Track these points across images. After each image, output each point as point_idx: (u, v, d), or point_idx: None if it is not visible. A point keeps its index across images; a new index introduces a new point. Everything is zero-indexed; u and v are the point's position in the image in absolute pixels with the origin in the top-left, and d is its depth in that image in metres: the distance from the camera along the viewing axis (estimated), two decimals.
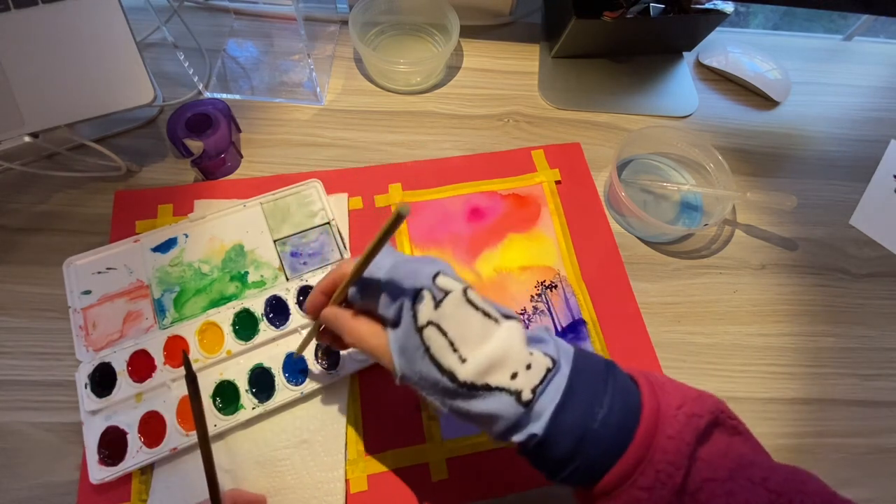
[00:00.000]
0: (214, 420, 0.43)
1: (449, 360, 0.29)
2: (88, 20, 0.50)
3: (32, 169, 0.53)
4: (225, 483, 0.42)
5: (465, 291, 0.30)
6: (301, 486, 0.42)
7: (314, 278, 0.50)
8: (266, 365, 0.46)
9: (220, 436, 0.44)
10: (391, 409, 0.46)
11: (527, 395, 0.28)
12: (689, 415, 0.28)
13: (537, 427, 0.28)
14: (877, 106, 0.71)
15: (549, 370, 0.29)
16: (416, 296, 0.30)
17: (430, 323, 0.29)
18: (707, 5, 0.63)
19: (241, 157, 0.58)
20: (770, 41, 0.77)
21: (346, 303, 0.35)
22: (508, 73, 0.68)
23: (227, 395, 0.45)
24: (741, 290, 0.55)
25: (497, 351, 0.29)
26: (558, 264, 0.54)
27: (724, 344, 0.52)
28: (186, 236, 0.51)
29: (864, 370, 0.52)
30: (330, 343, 0.39)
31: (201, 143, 0.53)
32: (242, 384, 0.45)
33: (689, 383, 0.49)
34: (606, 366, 0.31)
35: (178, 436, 0.43)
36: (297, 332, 0.48)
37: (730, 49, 0.72)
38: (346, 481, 0.43)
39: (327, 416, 0.45)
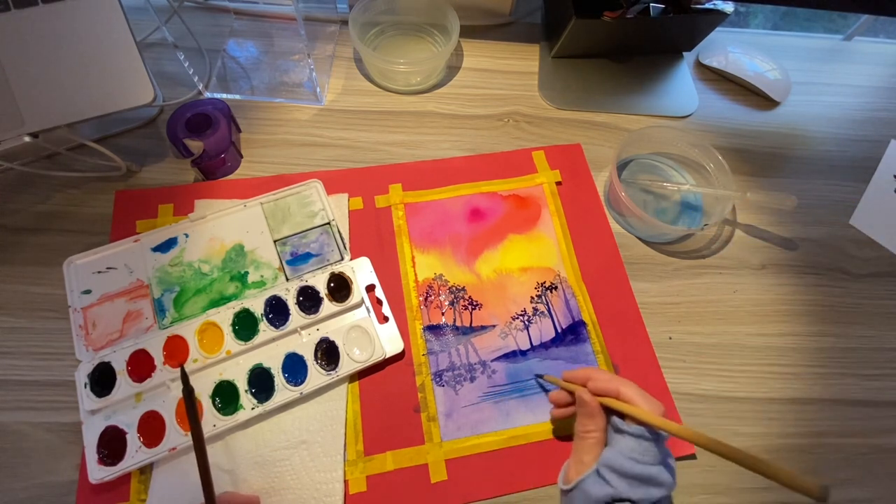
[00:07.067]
0: (214, 420, 0.43)
1: None
2: (88, 20, 0.50)
3: (32, 169, 0.53)
4: (224, 484, 0.42)
5: None
6: (300, 486, 0.42)
7: (314, 279, 0.50)
8: (266, 365, 0.46)
9: (220, 436, 0.44)
10: (391, 410, 0.46)
11: None
12: None
13: None
14: (877, 106, 0.71)
15: None
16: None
17: None
18: (707, 5, 0.63)
19: (241, 157, 0.58)
20: (770, 41, 0.77)
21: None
22: (508, 73, 0.68)
23: (226, 396, 0.45)
24: (741, 290, 0.55)
25: None
26: (558, 265, 0.54)
27: (724, 344, 0.52)
28: (186, 236, 0.51)
29: (864, 370, 0.52)
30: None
31: (201, 143, 0.53)
32: (242, 384, 0.45)
33: (689, 383, 0.50)
34: None
35: (177, 436, 0.43)
36: (296, 332, 0.48)
37: (730, 49, 0.72)
38: (345, 482, 0.43)
39: (327, 417, 0.45)
